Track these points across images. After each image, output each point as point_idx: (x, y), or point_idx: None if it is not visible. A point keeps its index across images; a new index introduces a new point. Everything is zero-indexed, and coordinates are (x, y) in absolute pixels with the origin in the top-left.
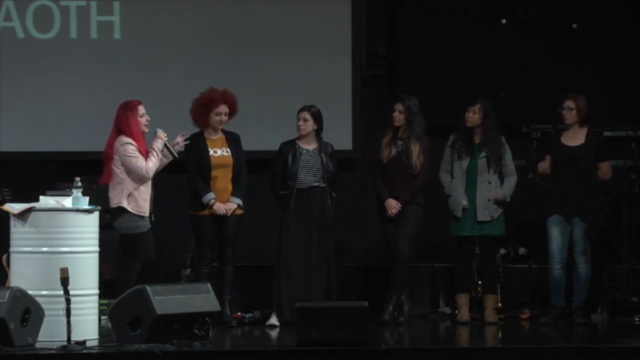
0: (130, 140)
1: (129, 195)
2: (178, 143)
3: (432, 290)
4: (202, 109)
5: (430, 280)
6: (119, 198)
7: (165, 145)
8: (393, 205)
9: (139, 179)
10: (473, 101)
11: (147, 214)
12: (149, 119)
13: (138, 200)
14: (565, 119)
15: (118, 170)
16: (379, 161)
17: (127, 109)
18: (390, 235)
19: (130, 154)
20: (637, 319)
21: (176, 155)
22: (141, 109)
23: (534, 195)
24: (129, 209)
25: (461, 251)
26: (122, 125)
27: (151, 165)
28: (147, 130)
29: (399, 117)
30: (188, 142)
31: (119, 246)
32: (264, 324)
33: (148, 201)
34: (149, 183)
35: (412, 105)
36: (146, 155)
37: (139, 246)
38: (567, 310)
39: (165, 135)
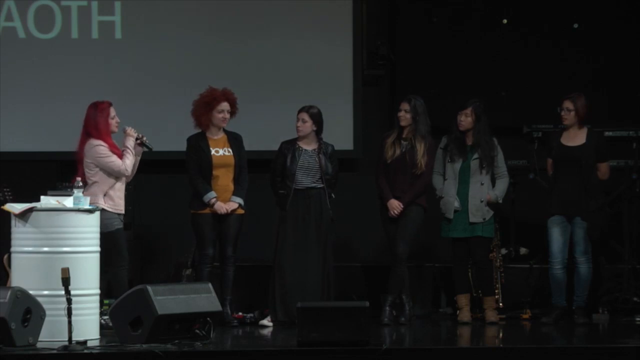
0: (100, 142)
1: (105, 194)
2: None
3: (433, 291)
4: (204, 108)
5: (431, 280)
6: (95, 198)
7: (137, 141)
8: (395, 206)
9: (116, 178)
10: (464, 105)
11: (123, 211)
12: (119, 120)
13: (114, 199)
14: (564, 120)
15: (90, 172)
16: (383, 161)
17: (98, 110)
18: (391, 235)
19: (103, 155)
20: (638, 319)
21: (151, 147)
22: (112, 112)
23: (534, 196)
24: (106, 207)
25: (456, 253)
26: (91, 127)
27: (128, 162)
28: (116, 131)
29: (405, 117)
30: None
31: (101, 245)
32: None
33: (123, 199)
34: (123, 181)
35: (418, 105)
36: (121, 154)
37: (119, 241)
38: (568, 310)
39: (135, 131)
